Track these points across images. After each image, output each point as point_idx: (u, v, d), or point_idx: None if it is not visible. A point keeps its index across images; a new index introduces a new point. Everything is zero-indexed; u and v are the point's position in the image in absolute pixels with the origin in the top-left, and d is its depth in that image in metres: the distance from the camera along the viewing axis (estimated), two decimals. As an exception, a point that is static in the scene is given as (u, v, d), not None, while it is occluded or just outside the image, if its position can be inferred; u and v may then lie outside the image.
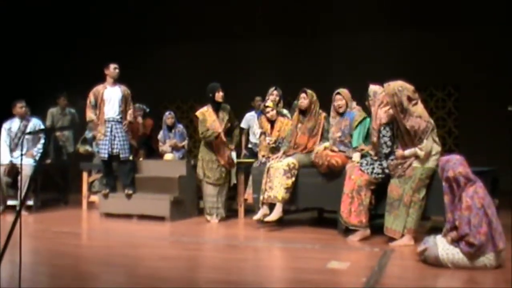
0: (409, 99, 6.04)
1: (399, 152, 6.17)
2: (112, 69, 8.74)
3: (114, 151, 8.62)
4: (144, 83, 13.04)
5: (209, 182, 8.30)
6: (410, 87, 6.11)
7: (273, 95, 8.58)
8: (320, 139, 7.50)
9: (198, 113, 8.42)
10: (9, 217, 8.61)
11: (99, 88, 8.77)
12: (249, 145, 10.11)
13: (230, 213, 8.59)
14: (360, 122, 6.95)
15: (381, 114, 6.40)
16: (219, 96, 8.27)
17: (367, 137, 6.94)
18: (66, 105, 11.07)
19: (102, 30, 14.03)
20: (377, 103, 6.45)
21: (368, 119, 6.96)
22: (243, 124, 10.10)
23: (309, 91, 7.66)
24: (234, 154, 8.42)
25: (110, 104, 8.68)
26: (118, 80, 8.78)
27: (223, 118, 8.31)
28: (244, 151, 10.26)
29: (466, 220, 4.78)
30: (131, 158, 8.91)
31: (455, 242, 4.89)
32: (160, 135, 10.51)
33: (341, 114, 7.18)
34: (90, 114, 8.77)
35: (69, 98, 11.14)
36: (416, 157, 6.02)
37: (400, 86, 6.07)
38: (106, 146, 8.63)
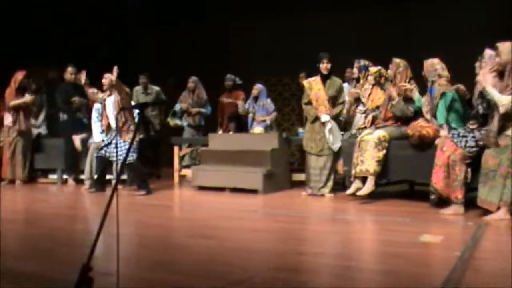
0: None
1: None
2: (103, 79, 8.90)
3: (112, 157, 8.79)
4: (234, 56, 13.11)
5: (312, 153, 8.32)
6: None
7: (354, 68, 8.61)
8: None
9: (305, 81, 8.51)
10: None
11: (104, 95, 9.02)
12: (340, 117, 10.10)
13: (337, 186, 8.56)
14: (440, 99, 6.78)
15: (490, 78, 6.25)
16: (323, 67, 8.29)
17: (449, 111, 6.81)
18: (147, 84, 11.26)
19: (193, 5, 14.11)
20: (489, 66, 6.30)
21: (448, 94, 6.79)
22: None
23: (396, 60, 7.56)
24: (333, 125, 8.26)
25: (110, 113, 8.92)
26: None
27: (328, 89, 8.29)
28: None
29: None
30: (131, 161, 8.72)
31: None
32: (246, 104, 10.63)
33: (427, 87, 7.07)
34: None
35: (151, 76, 11.32)
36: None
37: None
38: (111, 149, 8.77)
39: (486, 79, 6.15)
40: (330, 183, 8.24)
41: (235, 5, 13.53)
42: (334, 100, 8.32)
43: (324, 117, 8.21)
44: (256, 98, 10.53)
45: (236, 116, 10.86)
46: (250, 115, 10.46)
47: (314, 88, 8.31)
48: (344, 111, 8.48)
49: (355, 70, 8.67)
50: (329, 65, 8.28)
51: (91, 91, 9.27)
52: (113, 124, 8.81)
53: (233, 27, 13.66)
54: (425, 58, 7.17)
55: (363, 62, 8.51)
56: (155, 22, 14.41)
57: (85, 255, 2.98)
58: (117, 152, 8.54)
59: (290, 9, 13.02)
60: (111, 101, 8.81)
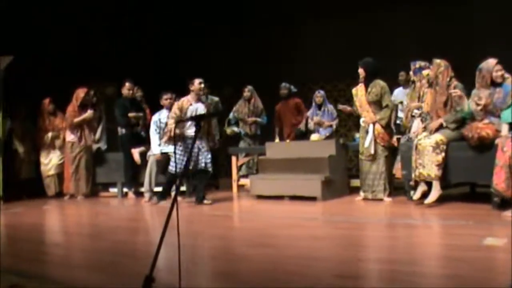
0: None
1: None
2: (197, 84, 8.65)
3: (199, 166, 8.67)
4: (286, 64, 13.09)
5: (362, 158, 8.32)
6: None
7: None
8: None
9: (353, 89, 8.53)
10: (164, 203, 8.96)
11: (184, 102, 8.73)
12: (398, 121, 10.01)
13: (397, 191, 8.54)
14: None
15: None
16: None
17: None
18: (207, 94, 11.39)
19: (242, 14, 14.19)
20: None
21: None
22: None
23: (436, 61, 7.50)
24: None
25: (191, 122, 8.57)
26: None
27: (369, 94, 8.27)
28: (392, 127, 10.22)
29: None
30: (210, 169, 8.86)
31: None
32: (310, 112, 10.67)
33: (497, 85, 6.92)
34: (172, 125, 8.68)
35: (211, 86, 11.45)
36: None
37: None
38: (181, 161, 8.63)
39: None
40: (382, 187, 8.20)
41: (286, 11, 13.53)
42: (378, 105, 8.29)
43: (362, 119, 8.35)
44: (320, 105, 10.57)
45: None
46: (314, 122, 10.48)
47: (359, 94, 8.38)
48: (403, 115, 8.46)
49: (411, 72, 8.60)
50: (361, 70, 8.30)
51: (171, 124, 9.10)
52: (191, 133, 8.66)
53: (284, 34, 13.65)
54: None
55: (418, 64, 8.42)
56: (209, 31, 14.49)
57: (148, 267, 3.02)
58: (200, 157, 8.60)
59: (341, 12, 12.93)
60: (199, 109, 8.71)
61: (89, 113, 10.61)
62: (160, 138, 9.64)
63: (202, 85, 8.76)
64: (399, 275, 4.10)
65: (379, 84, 8.31)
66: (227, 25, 14.22)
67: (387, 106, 8.27)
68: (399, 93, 10.19)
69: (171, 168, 8.75)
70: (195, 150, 8.64)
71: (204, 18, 14.32)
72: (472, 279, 3.80)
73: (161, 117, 9.74)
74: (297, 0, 13.52)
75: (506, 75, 6.92)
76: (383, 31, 12.26)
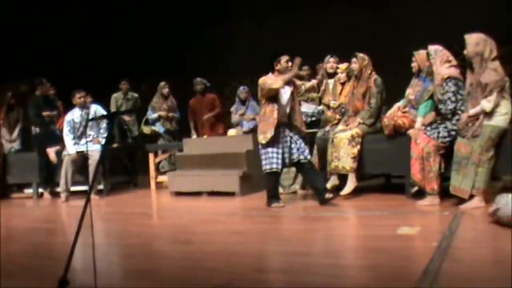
0: (490, 52, 5.95)
1: (463, 115, 6.08)
2: (284, 62, 7.28)
3: (294, 156, 7.27)
4: (206, 58, 13.07)
5: None
6: (493, 41, 6.02)
7: (329, 62, 8.53)
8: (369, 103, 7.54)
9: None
10: (81, 202, 8.78)
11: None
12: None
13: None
14: (432, 96, 6.79)
15: (443, 70, 6.34)
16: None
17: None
18: (128, 90, 11.32)
19: (157, 12, 14.04)
20: (438, 60, 6.40)
21: None
22: None
23: (360, 55, 7.63)
24: None
25: (282, 105, 7.32)
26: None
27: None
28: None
29: None
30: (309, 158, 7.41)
31: None
32: (233, 108, 10.67)
33: (419, 76, 7.12)
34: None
35: (131, 82, 11.38)
36: (485, 114, 5.90)
37: (485, 37, 6.00)
38: (279, 156, 7.25)
39: (442, 73, 6.28)
40: (299, 179, 8.33)
41: (202, 9, 13.51)
42: None
43: None
44: (244, 101, 10.57)
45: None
46: (237, 116, 10.48)
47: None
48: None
49: (333, 65, 8.61)
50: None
51: None
52: (285, 117, 7.34)
53: (201, 31, 13.65)
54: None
55: (336, 58, 8.54)
56: (128, 27, 14.29)
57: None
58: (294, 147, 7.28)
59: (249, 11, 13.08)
60: (286, 92, 7.35)
61: None
62: (74, 138, 9.48)
63: (290, 63, 7.36)
64: (318, 268, 4.16)
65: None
66: (145, 22, 14.06)
67: None
68: None
69: (270, 166, 7.32)
70: (287, 139, 7.30)
71: (121, 14, 14.10)
72: (388, 268, 3.89)
73: (74, 117, 9.58)
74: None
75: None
76: (301, 29, 12.46)
